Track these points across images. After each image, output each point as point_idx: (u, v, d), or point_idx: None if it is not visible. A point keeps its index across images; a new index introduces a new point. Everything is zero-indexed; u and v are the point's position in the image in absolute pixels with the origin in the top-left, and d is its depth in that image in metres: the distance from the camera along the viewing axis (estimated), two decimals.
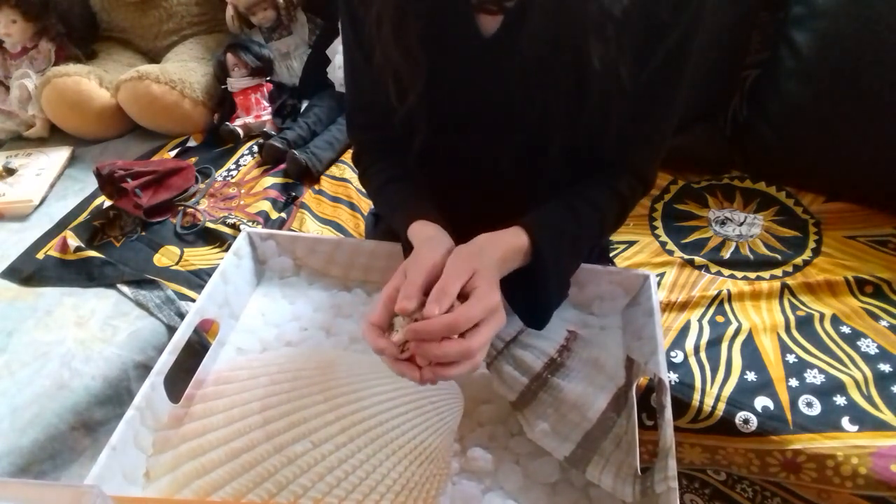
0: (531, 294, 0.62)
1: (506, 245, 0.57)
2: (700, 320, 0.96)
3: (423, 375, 0.49)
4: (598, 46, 0.56)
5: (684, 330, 0.95)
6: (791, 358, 0.89)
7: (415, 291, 0.49)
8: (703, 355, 0.91)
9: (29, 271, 1.09)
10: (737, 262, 1.07)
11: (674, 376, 0.88)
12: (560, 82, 0.61)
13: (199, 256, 1.13)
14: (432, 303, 0.48)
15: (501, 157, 0.68)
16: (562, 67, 0.60)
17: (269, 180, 1.32)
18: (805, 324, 0.94)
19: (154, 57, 1.64)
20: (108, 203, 1.22)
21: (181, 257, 1.12)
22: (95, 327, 0.99)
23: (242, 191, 1.30)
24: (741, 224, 1.14)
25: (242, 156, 1.42)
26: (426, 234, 0.60)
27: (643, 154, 0.70)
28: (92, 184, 1.28)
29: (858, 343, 0.90)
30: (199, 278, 1.07)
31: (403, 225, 0.64)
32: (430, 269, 0.52)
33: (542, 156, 0.67)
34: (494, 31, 0.61)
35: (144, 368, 0.96)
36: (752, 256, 1.08)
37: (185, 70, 1.46)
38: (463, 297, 0.51)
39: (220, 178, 1.35)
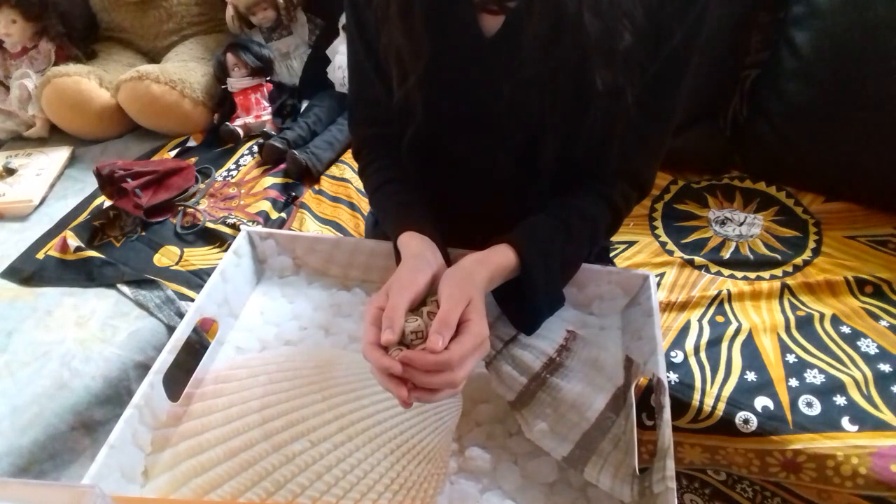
0: (521, 304, 0.63)
1: (494, 266, 0.58)
2: (700, 320, 0.96)
3: (408, 399, 0.50)
4: (602, 70, 0.57)
5: (684, 330, 0.95)
6: (791, 358, 0.89)
7: (397, 319, 0.50)
8: (703, 355, 0.91)
9: (29, 271, 1.09)
10: (737, 262, 1.07)
11: (674, 376, 0.88)
12: (559, 89, 0.61)
13: (199, 256, 1.13)
14: (436, 334, 0.49)
15: (497, 156, 0.68)
16: (561, 76, 0.60)
17: (269, 180, 1.32)
18: (805, 324, 0.94)
19: (154, 57, 1.64)
20: (108, 203, 1.22)
21: (181, 257, 1.12)
22: (95, 327, 0.99)
23: (242, 191, 1.30)
24: (741, 224, 1.14)
25: (242, 156, 1.42)
26: (412, 251, 0.60)
27: (641, 160, 0.69)
28: (92, 184, 1.28)
29: (858, 343, 0.90)
30: (199, 278, 1.07)
31: (394, 232, 0.65)
32: (412, 293, 0.53)
33: (537, 157, 0.66)
34: (495, 31, 0.61)
35: (144, 368, 0.96)
36: (752, 256, 1.08)
37: (185, 70, 1.46)
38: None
39: (220, 178, 1.35)
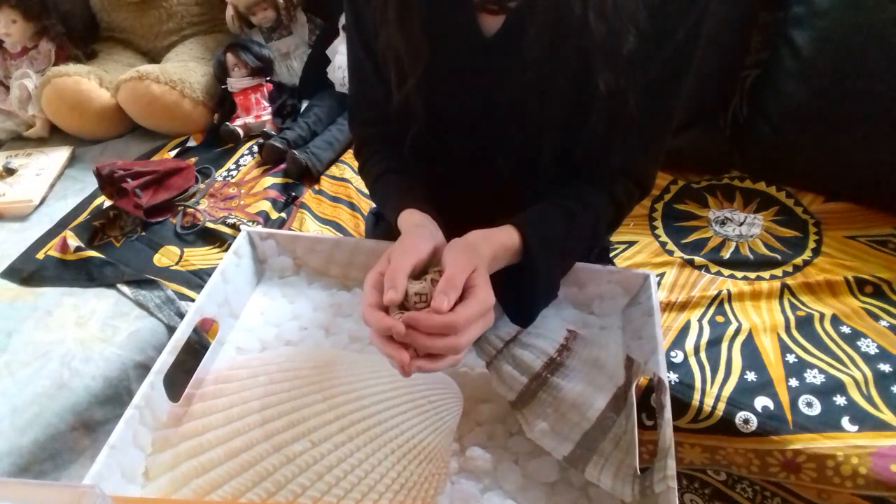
0: (519, 292, 0.62)
1: (497, 244, 0.57)
2: (700, 320, 0.96)
3: (409, 366, 0.48)
4: (604, 73, 0.56)
5: (684, 330, 0.95)
6: (791, 358, 0.89)
7: (400, 280, 0.49)
8: (703, 355, 0.91)
9: (29, 271, 1.09)
10: (737, 262, 1.07)
11: (674, 376, 0.88)
12: (559, 91, 0.61)
13: (199, 256, 1.13)
14: (441, 294, 0.48)
15: (497, 155, 0.68)
16: (562, 78, 0.60)
17: (269, 180, 1.32)
18: (805, 324, 0.94)
19: (154, 57, 1.64)
20: (108, 203, 1.22)
21: (181, 257, 1.12)
22: (95, 327, 0.99)
23: (242, 191, 1.30)
24: (741, 224, 1.14)
25: (242, 156, 1.42)
26: (413, 222, 0.60)
27: (642, 159, 0.69)
28: (92, 184, 1.28)
29: (858, 343, 0.90)
30: (199, 278, 1.07)
31: (394, 214, 0.64)
32: (415, 257, 0.52)
33: (538, 157, 0.66)
34: (495, 31, 0.61)
35: (144, 368, 0.96)
36: (752, 256, 1.08)
37: (185, 70, 1.46)
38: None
39: (220, 178, 1.35)
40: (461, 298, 0.50)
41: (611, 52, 0.55)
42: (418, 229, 0.57)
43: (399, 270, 0.50)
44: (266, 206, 1.24)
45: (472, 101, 0.66)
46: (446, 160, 0.71)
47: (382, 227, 0.94)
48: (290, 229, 1.20)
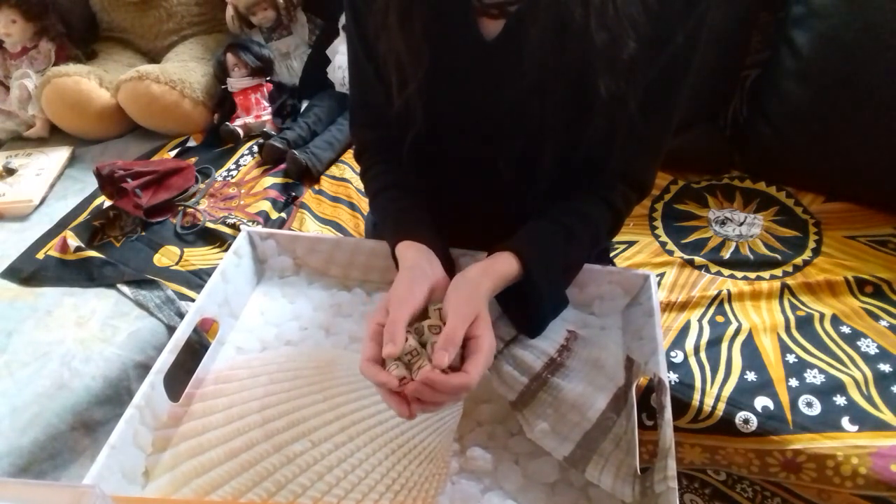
0: (525, 309, 0.63)
1: (497, 275, 0.58)
2: (700, 320, 0.96)
3: (412, 412, 0.50)
4: (605, 77, 0.57)
5: (684, 330, 0.95)
6: (791, 358, 0.89)
7: (399, 333, 0.50)
8: (703, 355, 0.91)
9: (29, 271, 1.09)
10: (737, 262, 1.07)
11: (674, 376, 0.88)
12: (560, 94, 0.61)
13: (199, 256, 1.13)
14: (441, 351, 0.49)
15: (497, 158, 0.68)
16: (562, 81, 0.60)
17: (269, 180, 1.32)
18: (805, 324, 0.94)
19: (154, 57, 1.64)
20: (108, 203, 1.22)
21: (181, 257, 1.12)
22: (95, 327, 0.99)
23: (242, 191, 1.30)
24: (741, 224, 1.14)
25: (242, 156, 1.42)
26: (408, 263, 0.60)
27: (642, 162, 0.70)
28: (92, 184, 1.28)
29: (858, 343, 0.90)
30: (199, 278, 1.07)
31: (392, 240, 0.65)
32: (411, 306, 0.53)
33: (538, 160, 0.66)
34: (496, 35, 0.61)
35: (144, 368, 0.96)
36: (752, 256, 1.08)
37: (185, 70, 1.46)
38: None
39: (220, 178, 1.35)
40: (468, 350, 0.51)
41: (611, 56, 0.56)
42: (413, 272, 0.57)
43: (397, 323, 0.51)
44: (266, 206, 1.24)
45: (472, 105, 0.66)
46: (446, 163, 0.71)
47: (381, 233, 0.94)
48: (290, 229, 1.20)
